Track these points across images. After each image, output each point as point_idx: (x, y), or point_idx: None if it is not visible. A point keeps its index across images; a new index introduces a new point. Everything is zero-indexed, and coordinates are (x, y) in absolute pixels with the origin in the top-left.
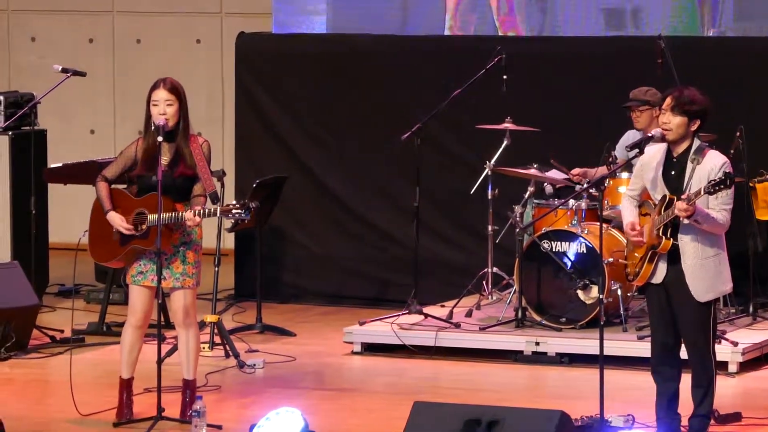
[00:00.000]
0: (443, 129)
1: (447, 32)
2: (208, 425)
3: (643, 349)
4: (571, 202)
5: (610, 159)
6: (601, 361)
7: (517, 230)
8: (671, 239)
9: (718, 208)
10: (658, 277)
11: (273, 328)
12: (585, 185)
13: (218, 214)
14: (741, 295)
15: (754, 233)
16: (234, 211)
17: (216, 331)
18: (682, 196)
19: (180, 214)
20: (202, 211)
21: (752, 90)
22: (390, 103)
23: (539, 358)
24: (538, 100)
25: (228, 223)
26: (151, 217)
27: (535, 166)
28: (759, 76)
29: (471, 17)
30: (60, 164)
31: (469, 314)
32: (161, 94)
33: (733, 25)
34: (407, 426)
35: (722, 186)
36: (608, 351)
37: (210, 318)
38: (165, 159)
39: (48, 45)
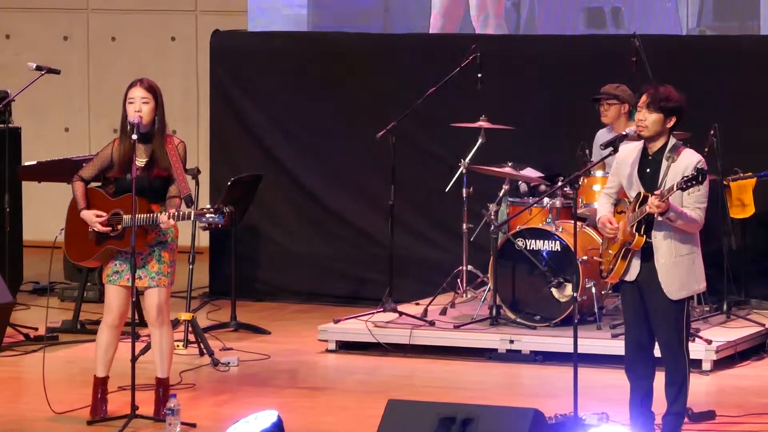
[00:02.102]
0: (418, 127)
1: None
2: (182, 423)
3: (617, 347)
4: (546, 200)
5: (584, 158)
6: (575, 359)
7: (492, 228)
8: (644, 236)
9: (693, 206)
10: (632, 275)
11: (247, 326)
12: (560, 183)
13: (192, 218)
14: (715, 293)
15: (729, 232)
16: (208, 215)
17: (190, 329)
18: (655, 192)
19: (155, 215)
20: (176, 214)
21: (726, 88)
22: (365, 101)
23: (513, 356)
24: (513, 98)
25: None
26: (127, 218)
27: (510, 164)
28: (733, 74)
29: (454, 18)
30: (34, 162)
31: (443, 312)
32: (138, 92)
33: (713, 23)
34: (381, 424)
35: (694, 182)
36: (582, 349)
37: (184, 316)
38: (141, 160)
39: (23, 42)
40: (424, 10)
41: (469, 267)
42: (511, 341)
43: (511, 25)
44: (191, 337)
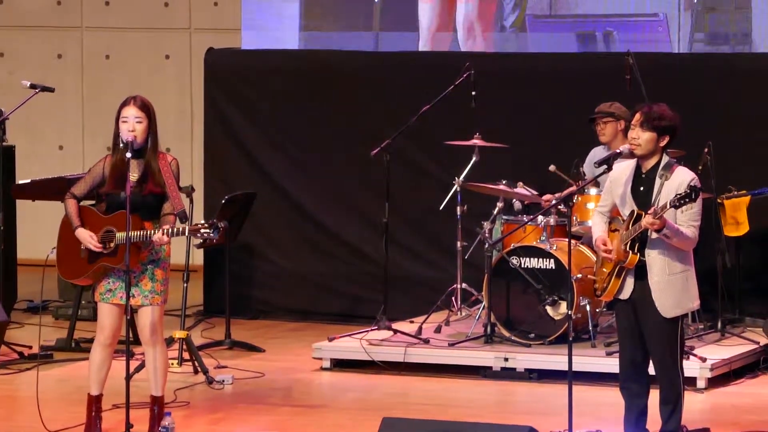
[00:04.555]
0: (412, 145)
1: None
2: None
3: (611, 364)
4: (540, 218)
5: (579, 175)
6: (570, 376)
7: (486, 246)
8: (638, 254)
9: (687, 223)
10: (626, 293)
11: (242, 344)
12: (554, 201)
13: (186, 234)
14: (709, 311)
15: (723, 250)
16: (203, 230)
17: (185, 347)
18: (649, 210)
19: (148, 233)
20: (170, 230)
21: (721, 106)
22: (360, 119)
23: (508, 374)
24: (507, 116)
25: (197, 239)
26: (120, 235)
27: (504, 182)
28: (727, 92)
29: (443, 43)
30: (28, 180)
31: (438, 330)
32: (131, 111)
33: (705, 48)
34: None
35: (687, 199)
36: (577, 367)
37: (179, 334)
38: (134, 176)
39: (16, 61)
40: (413, 32)
41: (464, 285)
42: (506, 359)
43: (501, 51)
44: (186, 355)
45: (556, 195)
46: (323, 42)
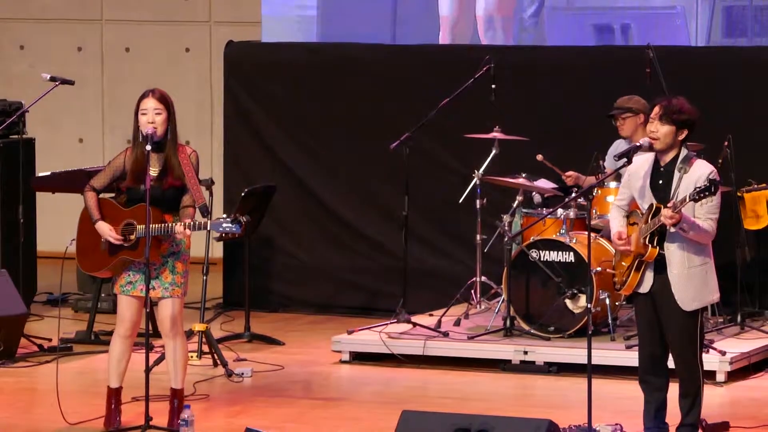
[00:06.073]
0: (432, 138)
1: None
2: None
3: (631, 358)
4: (560, 211)
5: (599, 168)
6: (589, 370)
7: (506, 239)
8: (657, 248)
9: (705, 216)
10: (645, 286)
11: (261, 337)
12: (573, 195)
13: (208, 228)
14: (729, 304)
15: (742, 243)
16: (225, 224)
17: (204, 340)
18: (668, 204)
19: (169, 225)
20: (192, 223)
21: (740, 99)
22: (379, 112)
23: (527, 367)
24: (526, 109)
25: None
26: (140, 228)
27: (524, 175)
28: (747, 85)
29: (463, 36)
30: (48, 173)
31: (457, 323)
32: (150, 103)
33: (723, 41)
34: None
35: (707, 193)
36: (596, 360)
37: (198, 327)
38: (154, 170)
39: (37, 53)
40: (433, 25)
41: (483, 278)
42: (525, 352)
43: (519, 43)
44: (205, 348)
45: (577, 174)
46: (341, 32)
